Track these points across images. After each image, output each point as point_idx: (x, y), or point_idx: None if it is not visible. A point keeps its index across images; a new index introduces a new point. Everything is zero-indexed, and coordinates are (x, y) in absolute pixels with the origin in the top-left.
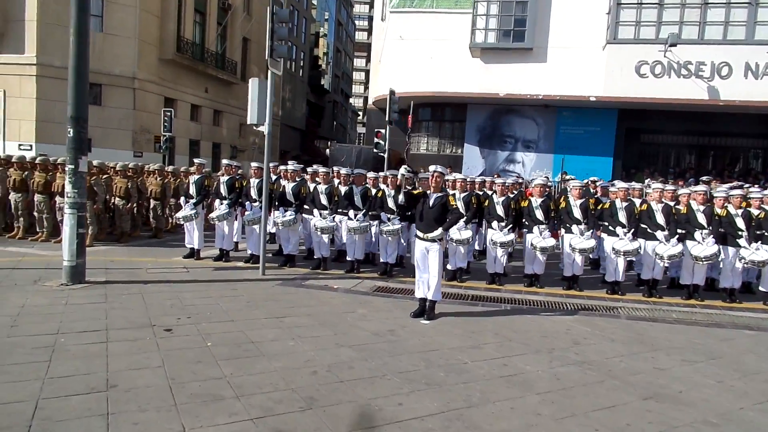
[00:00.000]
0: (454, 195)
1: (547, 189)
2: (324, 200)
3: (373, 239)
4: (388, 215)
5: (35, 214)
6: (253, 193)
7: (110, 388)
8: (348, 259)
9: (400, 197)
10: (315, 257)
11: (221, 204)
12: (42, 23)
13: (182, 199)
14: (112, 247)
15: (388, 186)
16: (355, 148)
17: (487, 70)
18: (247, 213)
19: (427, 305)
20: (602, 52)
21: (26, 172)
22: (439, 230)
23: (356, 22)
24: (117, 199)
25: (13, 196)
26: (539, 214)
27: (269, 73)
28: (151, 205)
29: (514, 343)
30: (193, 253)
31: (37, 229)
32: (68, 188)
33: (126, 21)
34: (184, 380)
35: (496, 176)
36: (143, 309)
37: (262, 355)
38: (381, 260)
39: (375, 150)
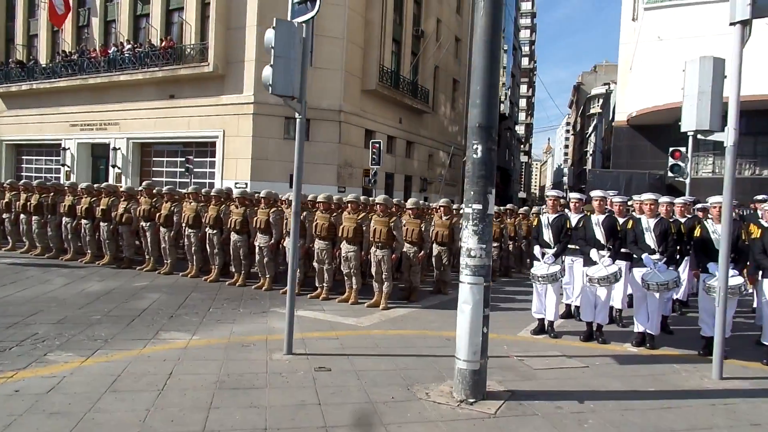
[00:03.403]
0: None
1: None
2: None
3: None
4: None
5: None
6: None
7: None
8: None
9: None
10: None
11: (601, 257)
12: (259, 62)
13: (536, 248)
14: (401, 311)
15: None
16: (623, 173)
17: None
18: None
19: None
20: None
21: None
22: None
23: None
24: (407, 245)
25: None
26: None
27: (739, 43)
28: (434, 252)
29: None
30: (544, 328)
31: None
32: (471, 243)
33: (333, 54)
34: None
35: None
36: None
37: None
38: None
39: (671, 174)
